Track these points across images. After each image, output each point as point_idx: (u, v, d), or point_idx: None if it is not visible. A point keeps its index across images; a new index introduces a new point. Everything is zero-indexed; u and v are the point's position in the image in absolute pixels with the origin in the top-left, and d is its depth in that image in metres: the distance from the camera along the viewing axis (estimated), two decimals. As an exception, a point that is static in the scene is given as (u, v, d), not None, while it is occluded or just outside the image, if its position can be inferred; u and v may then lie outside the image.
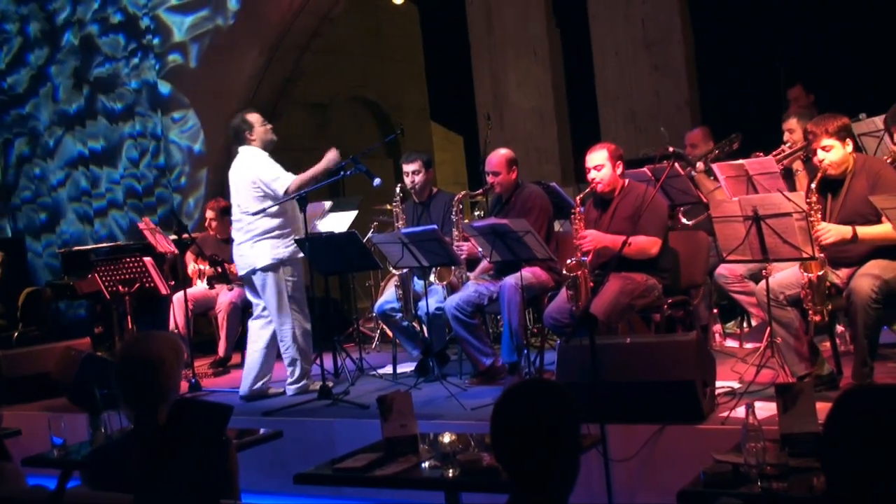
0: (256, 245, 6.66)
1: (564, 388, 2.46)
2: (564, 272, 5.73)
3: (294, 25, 10.62)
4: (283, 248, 6.68)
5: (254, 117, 6.83)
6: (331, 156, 6.67)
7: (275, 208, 6.64)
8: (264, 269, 6.67)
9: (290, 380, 6.75)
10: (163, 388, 3.18)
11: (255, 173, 6.68)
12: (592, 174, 5.93)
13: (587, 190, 5.99)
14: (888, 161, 5.57)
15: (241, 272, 6.83)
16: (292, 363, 6.72)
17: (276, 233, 6.67)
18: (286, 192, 6.58)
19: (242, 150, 6.83)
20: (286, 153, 11.98)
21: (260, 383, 6.76)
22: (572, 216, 5.89)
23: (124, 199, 11.47)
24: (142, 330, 7.23)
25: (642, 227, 5.71)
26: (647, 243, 5.76)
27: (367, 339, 8.76)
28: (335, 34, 11.97)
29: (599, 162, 5.92)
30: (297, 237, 6.64)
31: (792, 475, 3.19)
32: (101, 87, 11.50)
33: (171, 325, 7.81)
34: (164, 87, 11.07)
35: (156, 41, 11.09)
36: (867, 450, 1.81)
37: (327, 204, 7.54)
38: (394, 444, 4.06)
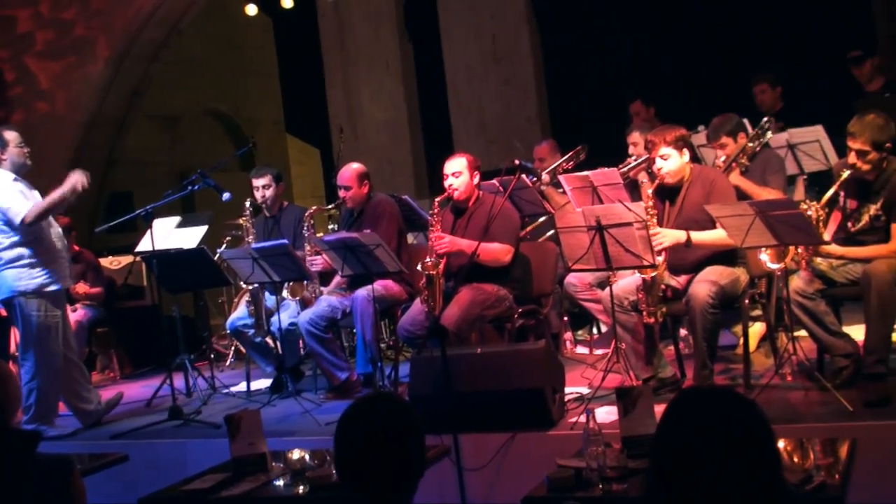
0: (2, 274, 6.15)
1: (405, 401, 2.47)
2: (419, 269, 5.75)
3: (141, 36, 10.35)
4: (27, 280, 6.11)
5: (11, 136, 6.21)
6: (73, 178, 6.11)
7: (15, 237, 6.10)
8: (6, 301, 6.22)
9: (25, 417, 6.20)
10: (4, 408, 3.04)
11: None
12: (450, 180, 5.99)
13: (444, 195, 6.03)
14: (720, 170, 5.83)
15: None
16: (29, 401, 6.19)
17: (22, 262, 6.12)
18: (23, 222, 6.04)
19: None
20: (137, 167, 11.76)
21: (91, 405, 6.51)
22: (431, 216, 5.91)
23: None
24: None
25: (494, 234, 5.79)
26: (499, 251, 5.84)
27: (222, 357, 8.61)
28: (185, 45, 11.76)
29: (458, 168, 5.99)
30: (55, 268, 6.19)
31: (631, 476, 3.29)
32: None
33: (13, 348, 7.49)
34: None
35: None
36: (693, 449, 1.88)
37: (175, 220, 7.38)
38: (242, 463, 4.00)
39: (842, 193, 5.09)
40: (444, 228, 5.97)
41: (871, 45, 7.04)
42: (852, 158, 4.94)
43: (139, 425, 6.22)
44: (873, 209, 4.99)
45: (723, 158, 6.07)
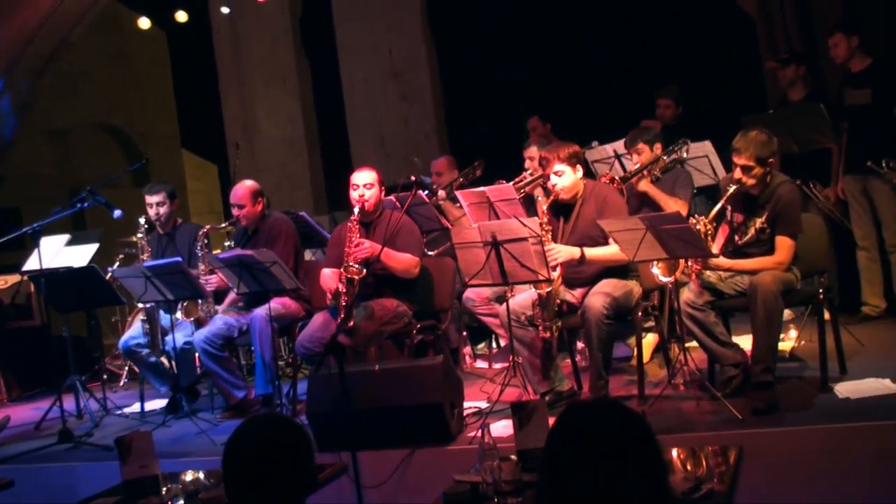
0: None
1: (294, 420, 2.46)
2: (344, 273, 5.69)
3: (29, 49, 10.07)
4: None
5: None
6: None
7: None
8: None
9: None
10: None
11: None
12: (361, 191, 5.97)
13: (354, 204, 6.00)
14: (607, 181, 5.97)
15: None
16: None
17: None
18: None
19: None
20: (25, 183, 11.42)
21: None
22: (349, 224, 5.87)
23: None
24: None
25: (401, 247, 5.81)
26: (410, 262, 5.88)
27: (115, 377, 8.41)
28: (76, 58, 11.49)
29: (370, 181, 6.00)
30: None
31: (526, 489, 3.31)
32: None
33: None
34: None
35: None
36: (578, 463, 1.90)
37: (65, 237, 7.18)
38: (133, 486, 3.91)
39: (729, 207, 5.24)
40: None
41: (795, 54, 7.22)
42: (738, 174, 5.10)
43: (27, 449, 6.03)
44: (759, 222, 5.16)
45: (637, 166, 6.24)
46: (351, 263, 5.71)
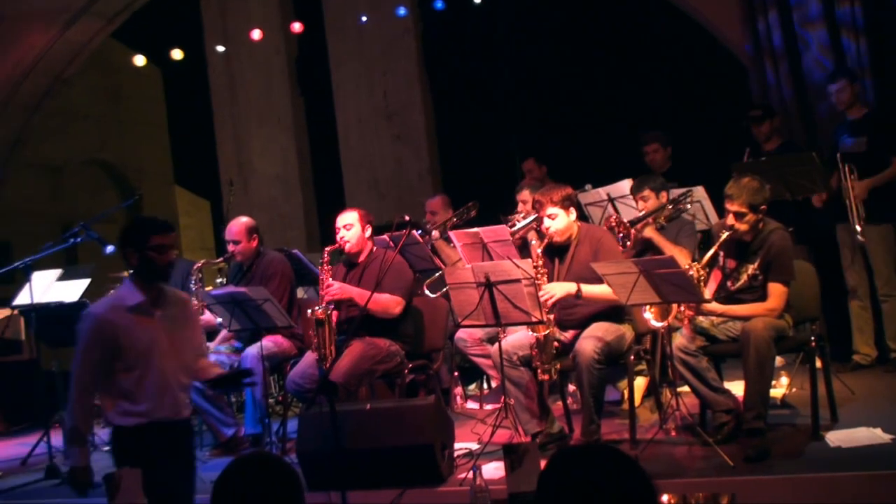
0: None
1: (283, 460, 2.45)
2: (309, 315, 5.69)
3: (23, 86, 10.11)
4: None
5: None
6: None
7: None
8: None
9: None
10: None
11: None
12: (342, 233, 6.01)
13: (335, 245, 6.03)
14: (607, 227, 5.98)
15: None
16: None
17: None
18: None
19: None
20: (17, 218, 11.42)
21: None
22: (320, 267, 5.90)
23: None
24: None
25: (385, 286, 5.81)
26: (390, 302, 5.86)
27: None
28: (70, 95, 11.53)
29: (350, 221, 6.02)
30: None
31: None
32: None
33: None
34: None
35: None
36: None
37: (56, 272, 7.16)
38: (122, 524, 3.87)
39: (721, 253, 5.26)
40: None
41: (767, 108, 7.29)
42: (730, 220, 5.13)
43: (14, 485, 5.99)
44: (751, 269, 5.17)
45: (643, 212, 6.23)
46: (318, 306, 5.72)
